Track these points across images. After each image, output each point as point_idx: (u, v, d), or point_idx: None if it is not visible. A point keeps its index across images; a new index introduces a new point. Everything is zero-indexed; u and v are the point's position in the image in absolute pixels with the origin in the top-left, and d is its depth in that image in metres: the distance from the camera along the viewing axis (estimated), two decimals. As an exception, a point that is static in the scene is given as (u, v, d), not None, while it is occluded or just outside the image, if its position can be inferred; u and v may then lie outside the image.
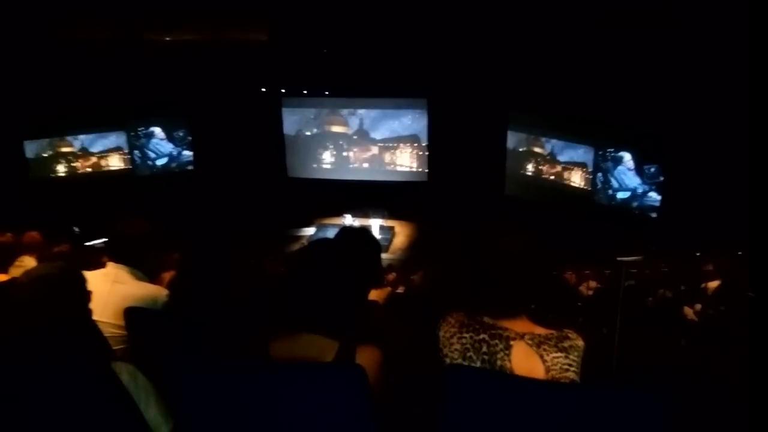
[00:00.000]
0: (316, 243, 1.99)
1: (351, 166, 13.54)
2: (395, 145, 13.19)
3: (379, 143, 13.28)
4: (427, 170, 12.97)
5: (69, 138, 11.73)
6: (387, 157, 13.32)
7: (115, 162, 12.25)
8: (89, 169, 11.99)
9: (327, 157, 13.61)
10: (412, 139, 13.02)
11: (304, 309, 1.72)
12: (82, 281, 2.11)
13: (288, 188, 13.13)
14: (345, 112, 13.24)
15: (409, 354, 1.97)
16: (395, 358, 1.79)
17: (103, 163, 12.13)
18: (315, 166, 13.69)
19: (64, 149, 11.71)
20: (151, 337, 2.27)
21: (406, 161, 13.21)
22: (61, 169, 11.70)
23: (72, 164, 11.80)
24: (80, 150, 11.87)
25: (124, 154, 12.32)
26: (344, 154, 13.53)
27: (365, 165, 13.46)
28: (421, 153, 13.00)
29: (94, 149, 12.01)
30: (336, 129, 13.40)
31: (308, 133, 13.50)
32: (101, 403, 1.69)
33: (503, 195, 12.18)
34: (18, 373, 1.64)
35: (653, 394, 1.39)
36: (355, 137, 13.36)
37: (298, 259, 1.83)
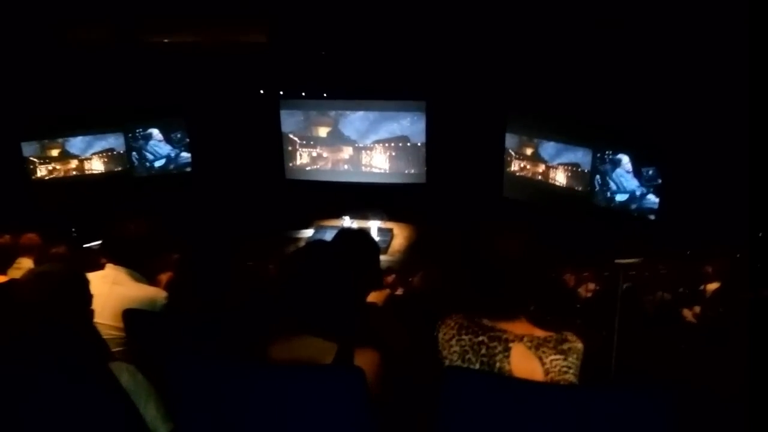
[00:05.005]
0: (314, 244, 1.98)
1: (349, 168, 13.53)
2: (393, 147, 13.18)
3: (377, 145, 13.27)
4: (425, 172, 12.97)
5: (67, 139, 11.69)
6: (385, 159, 13.31)
7: (112, 163, 12.22)
8: (87, 171, 11.95)
9: (324, 159, 13.60)
10: (410, 141, 13.02)
11: (303, 311, 1.72)
12: (85, 282, 2.11)
13: (286, 190, 13.12)
14: (341, 113, 13.24)
15: (408, 356, 1.97)
16: (394, 360, 1.79)
17: (100, 164, 12.10)
18: (312, 167, 13.68)
19: (62, 151, 11.66)
20: (150, 338, 2.27)
21: (404, 163, 13.21)
22: (59, 170, 11.66)
23: (70, 165, 11.77)
24: (78, 151, 11.82)
25: (122, 155, 12.29)
26: (340, 155, 13.52)
27: (363, 167, 13.45)
28: (419, 155, 13.00)
29: (91, 151, 11.97)
30: (332, 131, 13.39)
31: (305, 135, 13.51)
32: (101, 404, 1.69)
33: (502, 197, 12.19)
34: (17, 373, 1.64)
35: (652, 396, 1.40)
36: (353, 139, 13.36)
37: (296, 261, 1.83)
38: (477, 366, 1.63)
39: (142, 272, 2.73)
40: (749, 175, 7.58)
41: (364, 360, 1.63)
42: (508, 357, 1.61)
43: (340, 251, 1.94)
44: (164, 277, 3.45)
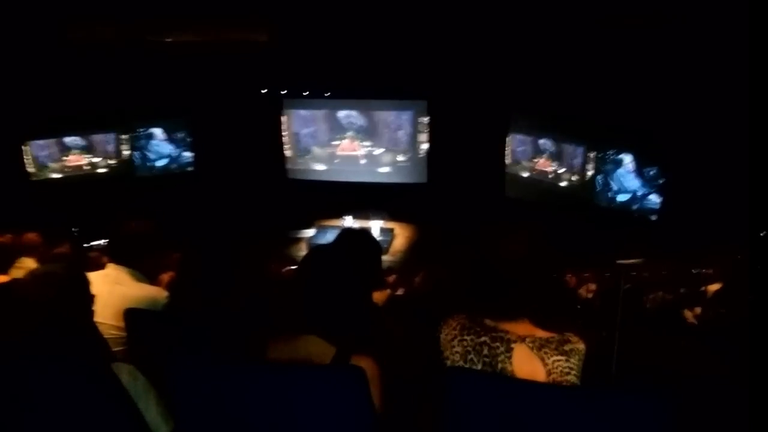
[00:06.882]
0: (322, 248, 1.99)
1: (350, 167, 13.51)
2: (394, 146, 13.17)
3: (378, 144, 13.26)
4: (427, 171, 12.95)
5: (68, 139, 11.66)
6: (386, 158, 13.30)
7: (114, 163, 12.21)
8: (88, 170, 11.95)
9: (324, 159, 13.59)
10: (411, 140, 13.01)
11: (311, 313, 1.72)
12: (86, 282, 2.12)
13: (288, 190, 13.11)
14: (343, 113, 13.22)
15: (409, 356, 1.97)
16: (394, 360, 1.78)
17: (102, 163, 12.08)
18: (313, 167, 13.67)
19: (64, 150, 11.65)
20: (151, 338, 2.27)
21: (406, 162, 13.20)
22: (61, 169, 11.66)
23: (71, 165, 11.76)
24: (80, 151, 11.82)
25: (124, 154, 12.28)
26: (342, 154, 13.50)
27: (364, 167, 13.44)
28: (420, 154, 12.99)
29: (93, 150, 11.95)
30: (334, 130, 13.38)
31: (307, 134, 13.49)
32: (101, 404, 1.69)
33: (504, 197, 12.16)
34: (19, 372, 1.64)
35: (653, 397, 1.39)
36: (354, 139, 13.34)
37: (307, 264, 1.83)
38: (479, 366, 1.63)
39: (144, 272, 2.73)
40: (751, 175, 7.57)
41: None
42: (510, 357, 1.61)
43: (343, 252, 1.95)
44: (166, 277, 3.45)
